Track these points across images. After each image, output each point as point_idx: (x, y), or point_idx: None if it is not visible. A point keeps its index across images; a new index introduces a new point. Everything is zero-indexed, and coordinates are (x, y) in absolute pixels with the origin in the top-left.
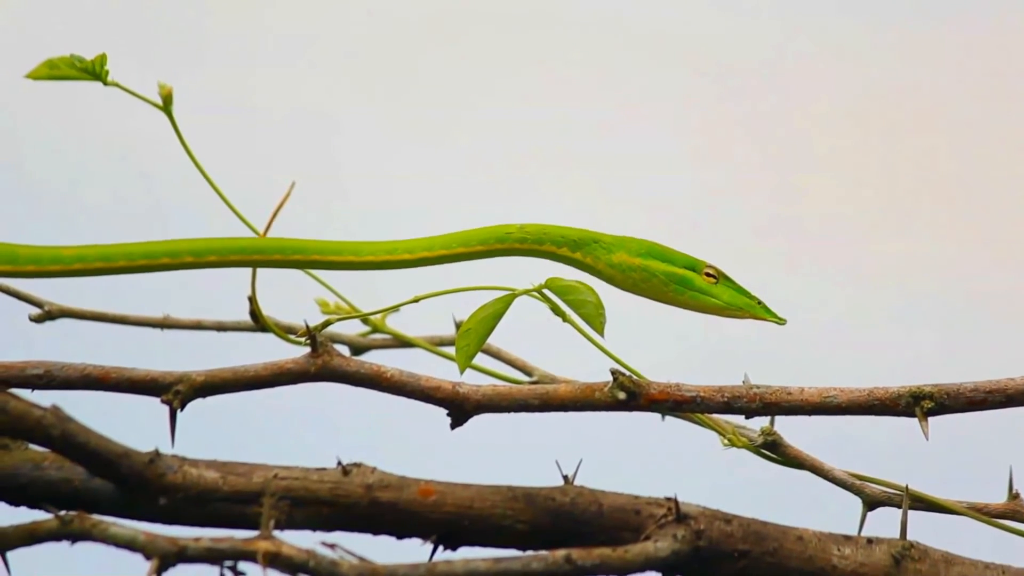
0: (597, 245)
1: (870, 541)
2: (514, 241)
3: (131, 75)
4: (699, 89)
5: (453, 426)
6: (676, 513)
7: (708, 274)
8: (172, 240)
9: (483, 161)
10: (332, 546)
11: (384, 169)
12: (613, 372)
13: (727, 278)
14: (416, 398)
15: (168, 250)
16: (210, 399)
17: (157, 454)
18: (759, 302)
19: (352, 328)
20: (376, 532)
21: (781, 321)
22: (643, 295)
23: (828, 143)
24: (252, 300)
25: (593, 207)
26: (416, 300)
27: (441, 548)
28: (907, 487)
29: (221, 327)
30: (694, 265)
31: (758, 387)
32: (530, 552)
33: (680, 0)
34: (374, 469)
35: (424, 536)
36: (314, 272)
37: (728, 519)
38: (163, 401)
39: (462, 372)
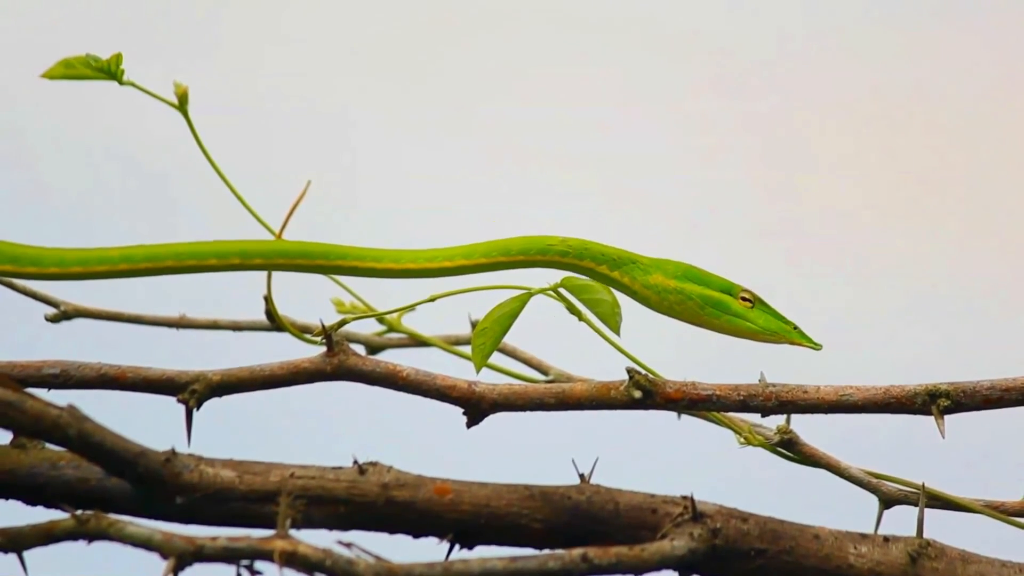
0: (635, 266)
1: (887, 539)
2: (555, 254)
3: (142, 74)
4: (701, 88)
5: (469, 425)
6: (692, 512)
7: (744, 298)
8: (219, 241)
9: (492, 159)
10: (348, 545)
11: (396, 167)
12: (629, 371)
13: (763, 302)
14: (432, 397)
15: (216, 251)
16: (226, 398)
17: (173, 453)
18: (795, 327)
19: (368, 327)
20: (392, 531)
21: (817, 346)
22: (678, 318)
23: (832, 140)
24: (268, 300)
25: (598, 205)
26: (432, 299)
27: (457, 547)
28: (923, 485)
29: (237, 327)
30: (730, 289)
31: (774, 385)
32: (546, 551)
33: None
34: (390, 468)
35: (440, 535)
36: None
37: (745, 517)
38: (179, 400)
39: (478, 371)
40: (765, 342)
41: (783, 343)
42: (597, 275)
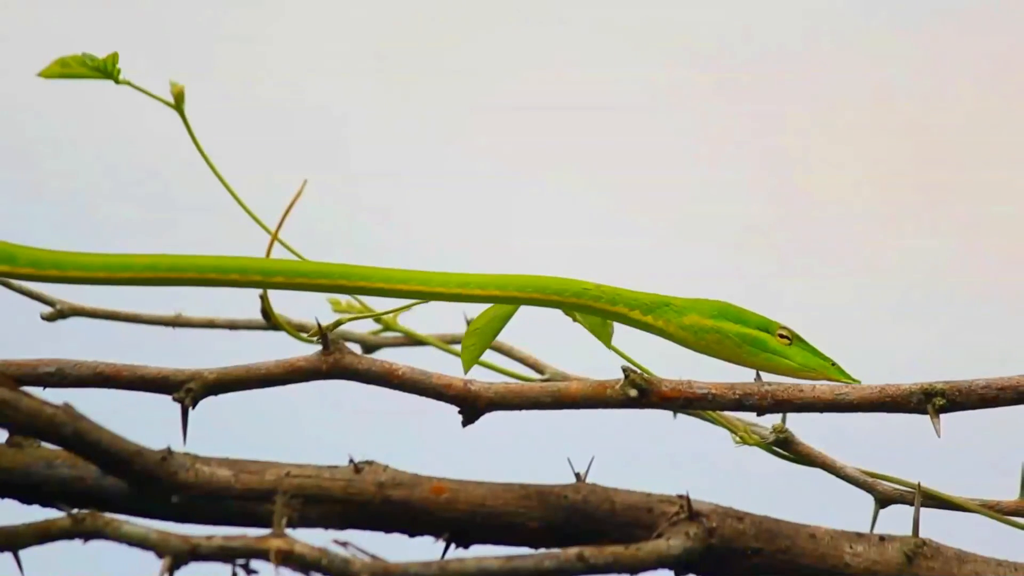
0: (669, 308)
1: (882, 539)
2: (589, 298)
3: (140, 74)
4: (700, 89)
5: (465, 424)
6: (688, 511)
7: (782, 335)
8: (242, 257)
9: (490, 160)
10: (344, 544)
11: (394, 167)
12: (625, 369)
13: (800, 339)
14: (428, 396)
15: (239, 266)
16: (222, 397)
17: (169, 452)
18: (832, 363)
19: (363, 326)
20: (388, 530)
21: (855, 382)
22: (716, 356)
23: (831, 141)
24: (264, 299)
25: (597, 206)
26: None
27: (453, 546)
28: (919, 484)
29: (233, 325)
30: (768, 326)
31: (770, 384)
32: (542, 550)
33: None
34: (386, 467)
35: (436, 534)
36: None
37: (740, 517)
38: (175, 399)
39: (466, 372)
40: (804, 379)
41: (821, 379)
42: (630, 320)
